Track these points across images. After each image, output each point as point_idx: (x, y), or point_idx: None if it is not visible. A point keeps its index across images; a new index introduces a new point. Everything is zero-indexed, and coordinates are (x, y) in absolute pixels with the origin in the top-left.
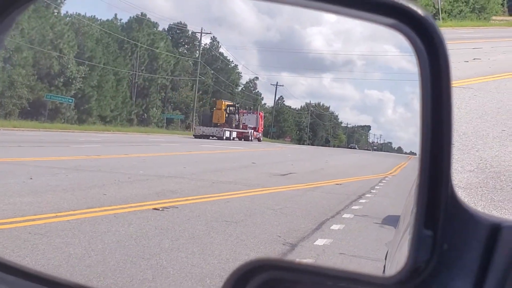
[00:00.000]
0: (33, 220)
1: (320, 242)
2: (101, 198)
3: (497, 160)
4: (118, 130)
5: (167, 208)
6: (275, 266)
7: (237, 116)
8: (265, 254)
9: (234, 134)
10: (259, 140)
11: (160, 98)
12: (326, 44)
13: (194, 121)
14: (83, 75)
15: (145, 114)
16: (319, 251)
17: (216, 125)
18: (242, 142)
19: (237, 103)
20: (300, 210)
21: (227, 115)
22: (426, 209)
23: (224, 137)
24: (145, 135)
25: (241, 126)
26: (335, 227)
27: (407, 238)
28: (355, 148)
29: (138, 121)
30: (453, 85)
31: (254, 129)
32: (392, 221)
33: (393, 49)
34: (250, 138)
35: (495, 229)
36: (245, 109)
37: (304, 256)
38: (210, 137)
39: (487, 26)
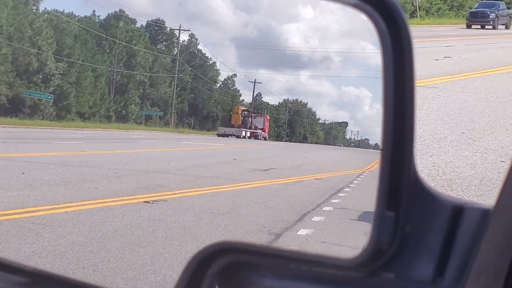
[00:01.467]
0: (33, 211)
1: (302, 232)
2: (93, 192)
3: (451, 166)
4: (97, 126)
5: (156, 201)
6: (237, 249)
7: (250, 119)
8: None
9: (248, 134)
10: (265, 139)
11: (138, 94)
12: (303, 41)
13: (173, 117)
14: (61, 72)
15: (124, 111)
16: (302, 240)
17: (234, 126)
18: (237, 139)
19: (250, 109)
20: (283, 203)
21: (242, 118)
22: (389, 191)
23: (241, 136)
24: (125, 132)
25: (252, 127)
26: (316, 218)
27: None
28: (340, 146)
29: (117, 118)
30: (416, 66)
31: (262, 129)
32: (368, 217)
33: (370, 46)
34: (259, 137)
35: (458, 210)
36: (255, 113)
37: (289, 244)
38: (230, 136)
39: (464, 24)
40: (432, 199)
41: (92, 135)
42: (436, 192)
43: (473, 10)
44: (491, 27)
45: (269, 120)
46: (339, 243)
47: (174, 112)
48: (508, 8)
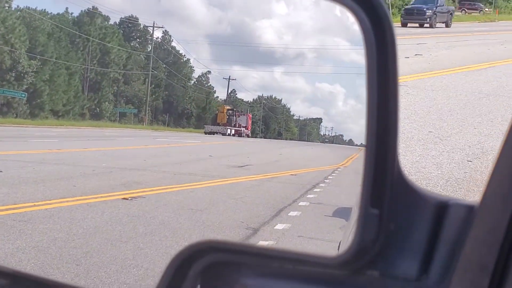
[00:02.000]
0: (14, 209)
1: (279, 226)
2: (72, 189)
3: (417, 167)
4: (71, 124)
5: (135, 198)
6: (219, 249)
7: (234, 117)
8: (231, 238)
9: (233, 131)
10: (248, 136)
11: (112, 92)
12: (277, 38)
13: (147, 115)
14: (35, 70)
15: (98, 108)
16: (279, 234)
17: (219, 125)
18: (223, 136)
19: (234, 108)
20: (259, 198)
21: (227, 117)
22: (372, 188)
23: (227, 134)
24: (99, 130)
25: (237, 125)
26: (292, 213)
27: None
28: (318, 142)
29: (91, 116)
30: (398, 58)
31: (245, 127)
32: (342, 213)
33: (343, 42)
34: (242, 134)
35: (442, 207)
36: (239, 112)
37: (266, 238)
38: (216, 133)
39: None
40: (417, 196)
41: (66, 133)
42: (420, 189)
43: (408, 6)
44: (428, 25)
45: (251, 118)
46: (316, 237)
47: (148, 110)
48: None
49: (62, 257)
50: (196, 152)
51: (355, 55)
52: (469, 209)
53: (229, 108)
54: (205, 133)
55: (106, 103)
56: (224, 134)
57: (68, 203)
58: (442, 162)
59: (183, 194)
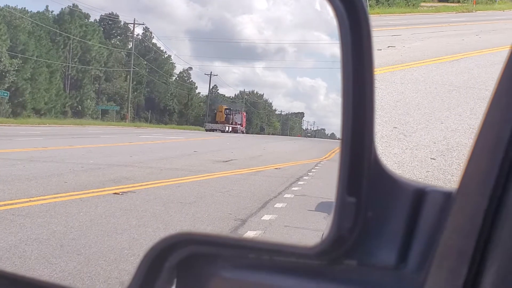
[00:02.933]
0: (11, 204)
1: (266, 217)
2: (64, 185)
3: None
4: (54, 123)
5: (125, 192)
6: (195, 241)
7: (231, 116)
8: (221, 228)
9: (230, 129)
10: (243, 132)
11: (94, 89)
12: (257, 32)
13: (129, 111)
14: (16, 68)
15: (79, 106)
16: (266, 224)
17: (218, 122)
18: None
19: (230, 107)
20: (245, 192)
21: (225, 115)
22: (349, 176)
23: (225, 131)
24: (82, 127)
25: (233, 123)
26: (278, 205)
27: None
28: (309, 136)
29: (73, 113)
30: (374, 44)
31: (240, 124)
32: (324, 207)
33: (324, 36)
34: (238, 131)
35: (419, 194)
36: (235, 111)
37: (254, 229)
38: (215, 130)
39: (415, 13)
40: (394, 183)
41: (50, 131)
42: (397, 176)
43: None
44: None
45: (245, 116)
46: (301, 226)
47: (130, 107)
48: None
49: (63, 248)
50: (181, 148)
51: (336, 49)
52: (447, 196)
53: (226, 107)
54: (206, 130)
55: (88, 100)
56: (223, 131)
57: (62, 199)
58: (404, 160)
59: (171, 189)
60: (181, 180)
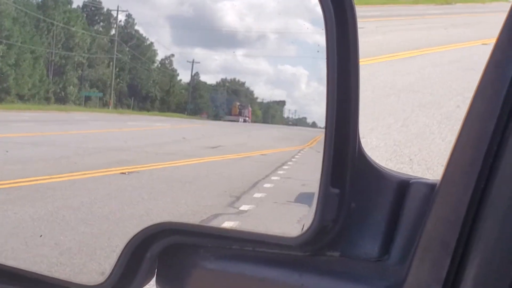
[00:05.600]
0: (36, 180)
1: (257, 195)
2: (74, 166)
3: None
4: (39, 109)
5: (130, 172)
6: (177, 231)
7: (242, 110)
8: (217, 205)
9: (242, 120)
10: (249, 122)
11: (77, 76)
12: (238, 19)
13: (112, 98)
14: (1, 54)
15: (62, 92)
16: (257, 201)
17: (233, 115)
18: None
19: (242, 103)
20: (236, 174)
21: (238, 110)
22: (333, 167)
23: (238, 121)
24: (67, 113)
25: (243, 115)
26: (266, 185)
27: None
28: (290, 124)
29: (56, 99)
30: (358, 34)
31: (247, 117)
32: (304, 198)
33: (307, 24)
34: (246, 121)
35: (403, 186)
36: (244, 107)
37: (248, 203)
38: (232, 121)
39: (394, 4)
40: (378, 175)
41: (38, 117)
42: (381, 168)
43: None
44: None
45: (250, 111)
46: (289, 202)
47: (113, 93)
48: None
49: (93, 214)
50: (169, 135)
51: (319, 37)
52: (430, 188)
53: (239, 104)
54: (224, 121)
55: (71, 87)
56: (236, 121)
57: (77, 177)
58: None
59: (169, 170)
60: (176, 163)
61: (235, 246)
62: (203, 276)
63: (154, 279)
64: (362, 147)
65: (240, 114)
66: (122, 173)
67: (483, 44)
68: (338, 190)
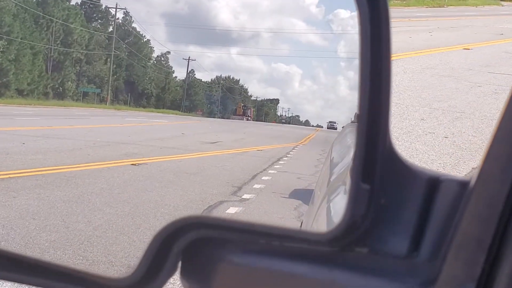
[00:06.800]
0: (58, 169)
1: (256, 186)
2: (88, 157)
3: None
4: (39, 103)
5: (140, 164)
6: (203, 224)
7: (245, 111)
8: (221, 193)
9: (245, 119)
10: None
11: (75, 72)
12: (232, 17)
13: (109, 94)
14: (1, 50)
15: (61, 88)
16: (257, 191)
17: (238, 115)
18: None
19: (245, 104)
20: (236, 167)
21: (242, 110)
22: (364, 163)
23: (243, 120)
24: (66, 109)
25: (247, 115)
26: (265, 178)
27: (324, 208)
28: (283, 122)
29: (54, 95)
30: (392, 29)
31: (250, 116)
32: (298, 195)
33: (300, 23)
34: (249, 120)
35: (434, 183)
36: (246, 107)
37: (249, 193)
38: (238, 120)
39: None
40: (407, 171)
41: (40, 112)
42: (411, 164)
43: None
44: None
45: (252, 111)
46: (285, 193)
47: (109, 89)
48: None
49: (115, 198)
50: (169, 130)
51: (312, 36)
52: (462, 185)
53: (243, 105)
54: (231, 119)
55: (69, 82)
56: (241, 120)
57: (93, 167)
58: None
59: (175, 163)
60: (180, 156)
61: (263, 240)
62: (229, 271)
63: (178, 273)
64: (392, 143)
65: (244, 114)
66: (133, 164)
67: (464, 49)
68: (368, 186)
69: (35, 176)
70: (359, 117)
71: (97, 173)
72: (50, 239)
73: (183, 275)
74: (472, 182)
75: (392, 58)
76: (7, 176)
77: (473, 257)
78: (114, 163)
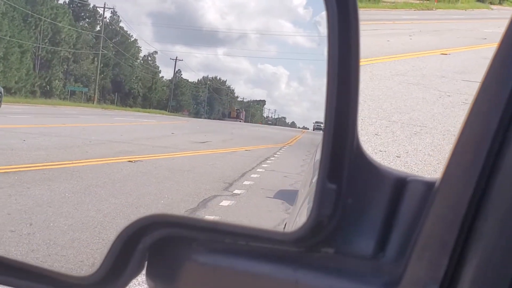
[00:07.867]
0: (62, 164)
1: (246, 182)
2: (87, 154)
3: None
4: (27, 102)
5: (136, 161)
6: (169, 223)
7: (238, 113)
8: (214, 188)
9: (239, 121)
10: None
11: (62, 70)
12: (219, 17)
13: (96, 93)
14: None
15: (48, 86)
16: (247, 187)
17: (231, 117)
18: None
19: (239, 108)
20: (226, 165)
21: (236, 113)
22: (331, 163)
23: (236, 122)
24: (54, 107)
25: (239, 117)
26: (253, 175)
27: (305, 207)
28: (269, 124)
29: (41, 93)
30: (361, 30)
31: (242, 119)
32: (283, 195)
33: (287, 24)
34: (242, 121)
35: (401, 183)
36: (239, 110)
37: (239, 188)
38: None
39: (375, 8)
40: (375, 171)
41: (29, 110)
42: (379, 164)
43: None
44: None
45: (244, 114)
46: (272, 190)
47: (96, 88)
48: None
49: (119, 191)
50: (158, 130)
51: (299, 38)
52: (428, 186)
53: (236, 108)
54: (225, 121)
55: (56, 81)
56: (235, 122)
57: (93, 163)
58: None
59: (168, 161)
60: (173, 155)
61: (229, 240)
62: (194, 270)
63: (144, 271)
64: (360, 143)
65: (237, 116)
66: (130, 161)
67: (442, 54)
68: (335, 186)
69: (42, 170)
70: (326, 117)
71: (98, 169)
72: (68, 223)
73: (149, 274)
74: (437, 183)
75: (361, 60)
76: (18, 169)
77: (437, 259)
78: (112, 160)
